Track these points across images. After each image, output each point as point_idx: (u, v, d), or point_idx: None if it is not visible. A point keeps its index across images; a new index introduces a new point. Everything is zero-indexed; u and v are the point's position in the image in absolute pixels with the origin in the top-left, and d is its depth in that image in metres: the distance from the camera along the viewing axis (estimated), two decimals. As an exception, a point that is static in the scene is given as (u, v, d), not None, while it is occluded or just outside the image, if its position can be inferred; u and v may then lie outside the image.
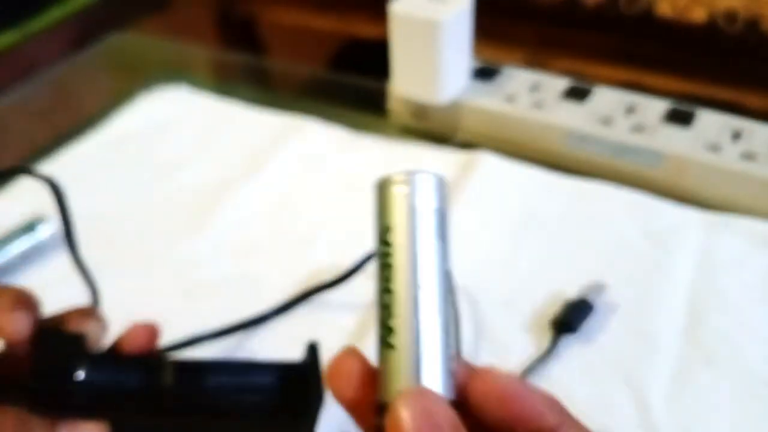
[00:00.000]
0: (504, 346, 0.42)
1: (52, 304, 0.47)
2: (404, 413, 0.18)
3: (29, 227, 0.49)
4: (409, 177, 0.22)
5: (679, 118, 0.54)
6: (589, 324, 0.43)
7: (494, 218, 0.51)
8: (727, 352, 0.41)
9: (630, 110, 0.56)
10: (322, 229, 0.51)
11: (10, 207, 0.54)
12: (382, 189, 0.22)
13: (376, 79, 0.64)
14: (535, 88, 0.59)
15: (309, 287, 0.45)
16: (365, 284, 0.46)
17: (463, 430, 0.18)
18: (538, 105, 0.57)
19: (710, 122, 0.54)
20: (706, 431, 0.38)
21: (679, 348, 0.42)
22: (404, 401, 0.18)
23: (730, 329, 0.43)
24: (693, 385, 0.40)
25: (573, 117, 0.55)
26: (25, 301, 0.29)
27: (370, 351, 0.22)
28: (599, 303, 0.43)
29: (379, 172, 0.62)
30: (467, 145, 0.59)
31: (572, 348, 0.42)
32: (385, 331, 0.20)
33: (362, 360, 0.22)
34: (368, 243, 0.50)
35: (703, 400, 0.39)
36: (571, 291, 0.44)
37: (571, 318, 0.42)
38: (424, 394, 0.19)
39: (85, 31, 0.87)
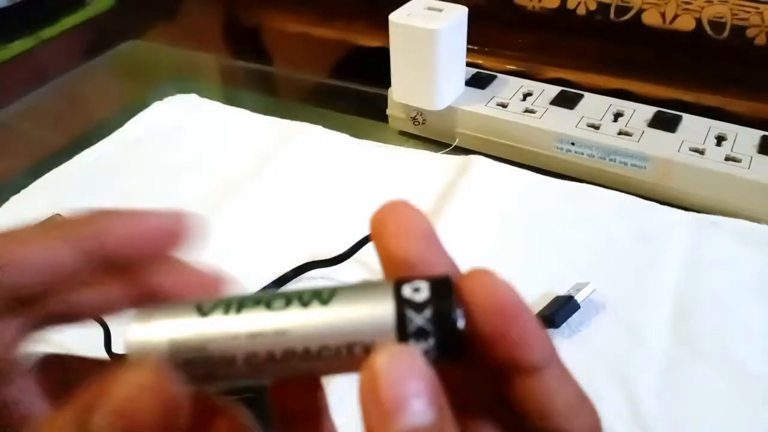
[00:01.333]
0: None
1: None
2: (381, 370, 0.16)
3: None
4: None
5: (665, 122, 0.56)
6: (579, 320, 0.43)
7: (487, 219, 0.52)
8: (715, 348, 0.42)
9: (618, 116, 0.57)
10: (326, 232, 0.52)
11: (24, 207, 0.56)
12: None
13: (377, 87, 0.65)
14: (527, 94, 0.61)
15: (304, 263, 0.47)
16: (360, 269, 0.48)
17: (440, 390, 0.16)
18: (530, 111, 0.58)
19: (695, 127, 0.55)
20: (695, 425, 0.38)
21: (668, 344, 0.42)
22: (381, 359, 0.16)
23: (717, 326, 0.43)
24: (682, 380, 0.40)
25: (563, 122, 0.57)
26: None
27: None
28: (587, 300, 0.44)
29: (380, 176, 0.63)
30: (462, 149, 0.60)
31: (563, 345, 0.42)
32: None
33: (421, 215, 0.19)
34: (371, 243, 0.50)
35: (691, 395, 0.40)
36: (562, 290, 0.45)
37: (552, 313, 0.43)
38: (404, 352, 0.16)
39: (97, 39, 0.88)
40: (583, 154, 0.56)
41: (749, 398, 0.39)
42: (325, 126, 0.63)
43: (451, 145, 0.61)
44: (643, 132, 0.55)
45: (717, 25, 0.63)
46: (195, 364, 0.17)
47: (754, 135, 0.54)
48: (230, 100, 0.69)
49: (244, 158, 0.60)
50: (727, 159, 0.52)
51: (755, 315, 0.44)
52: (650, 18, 0.66)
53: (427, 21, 0.55)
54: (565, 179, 0.56)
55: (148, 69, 0.80)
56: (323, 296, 0.17)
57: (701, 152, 0.53)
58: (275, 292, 0.18)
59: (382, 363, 0.16)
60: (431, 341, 0.17)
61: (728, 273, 0.47)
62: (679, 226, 0.51)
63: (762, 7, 0.61)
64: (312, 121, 0.64)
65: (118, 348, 0.43)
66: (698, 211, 0.52)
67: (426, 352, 0.17)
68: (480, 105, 0.60)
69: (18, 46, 0.82)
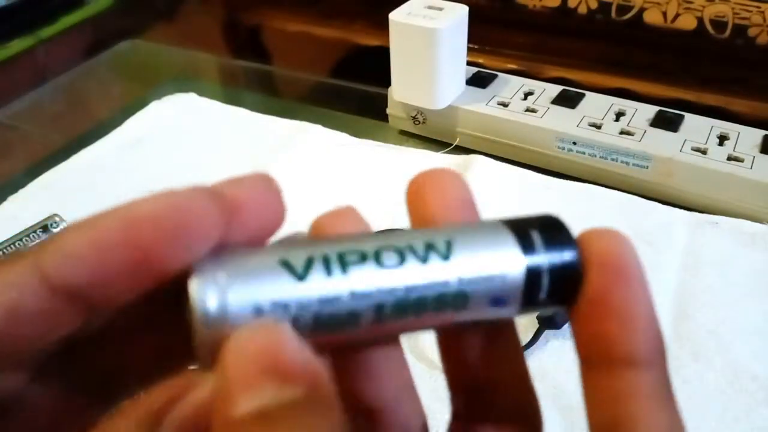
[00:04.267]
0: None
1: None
2: (234, 353, 0.13)
3: (44, 227, 0.50)
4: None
5: (667, 122, 0.56)
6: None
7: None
8: (714, 348, 0.42)
9: (619, 115, 0.57)
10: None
11: (22, 207, 0.55)
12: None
13: (377, 86, 0.65)
14: (528, 94, 0.60)
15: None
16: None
17: (322, 375, 0.13)
18: (531, 110, 0.58)
19: (697, 126, 0.55)
20: (694, 424, 0.38)
21: (667, 343, 0.42)
22: (238, 338, 0.13)
23: (717, 325, 0.43)
24: (681, 379, 0.40)
25: (564, 122, 0.57)
26: None
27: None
28: None
29: (380, 175, 0.63)
30: (463, 149, 0.60)
31: (565, 345, 0.42)
32: None
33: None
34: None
35: (691, 394, 0.40)
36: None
37: (554, 313, 0.42)
38: (265, 328, 0.13)
39: (96, 39, 0.88)
40: (584, 153, 0.56)
41: (749, 398, 0.39)
42: (325, 125, 0.63)
43: (451, 145, 0.61)
44: (644, 131, 0.55)
45: (718, 24, 0.63)
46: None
47: (757, 135, 0.54)
48: (230, 100, 0.69)
49: (244, 158, 0.60)
50: (730, 159, 0.52)
51: (755, 315, 0.44)
52: (651, 17, 0.65)
53: (427, 20, 0.55)
54: (566, 179, 0.56)
55: (147, 69, 0.80)
56: (440, 248, 0.15)
57: (703, 152, 0.53)
58: (375, 242, 0.15)
59: (233, 343, 0.13)
60: (546, 287, 0.16)
61: (729, 273, 0.47)
62: (680, 226, 0.51)
63: (764, 6, 0.61)
64: (312, 121, 0.64)
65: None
66: (700, 211, 0.52)
67: (540, 297, 0.16)
68: (481, 104, 0.59)
69: (17, 45, 0.82)
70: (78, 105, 0.76)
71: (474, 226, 0.16)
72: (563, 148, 0.56)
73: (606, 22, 0.67)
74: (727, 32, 0.63)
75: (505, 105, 0.59)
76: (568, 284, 0.16)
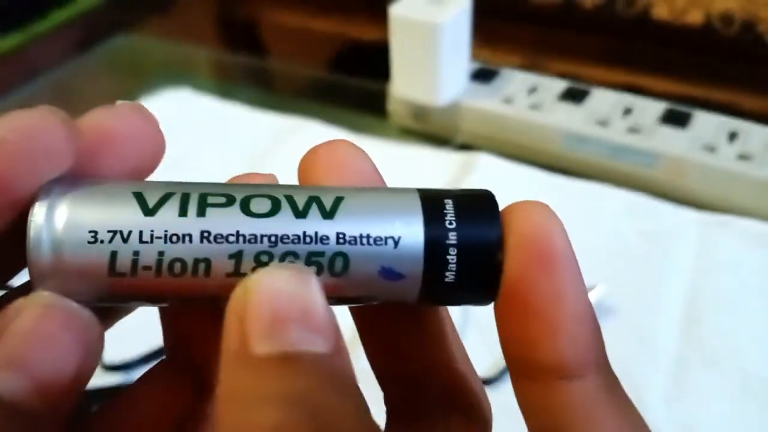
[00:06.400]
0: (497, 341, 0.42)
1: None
2: (262, 286, 0.12)
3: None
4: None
5: (676, 119, 0.55)
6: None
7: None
8: (726, 352, 0.41)
9: (627, 111, 0.56)
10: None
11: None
12: None
13: (377, 81, 0.64)
14: (533, 89, 0.59)
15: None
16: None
17: (338, 329, 0.12)
18: (536, 106, 0.57)
19: (706, 123, 0.54)
20: (705, 430, 0.38)
21: (677, 348, 0.42)
22: (264, 275, 0.12)
23: (728, 329, 0.43)
24: (691, 385, 0.40)
25: (571, 118, 0.56)
26: None
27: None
28: (596, 303, 0.43)
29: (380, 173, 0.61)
30: (466, 146, 0.59)
31: None
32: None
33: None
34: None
35: (701, 400, 0.39)
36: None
37: None
38: (295, 271, 0.12)
39: (88, 34, 0.87)
40: (591, 151, 0.55)
41: (760, 404, 0.39)
42: (322, 122, 0.62)
43: (454, 142, 0.60)
44: (653, 128, 0.54)
45: (726, 20, 0.62)
46: (122, 283, 0.13)
47: (767, 132, 0.53)
48: (225, 96, 0.68)
49: (239, 155, 0.59)
50: (740, 157, 0.51)
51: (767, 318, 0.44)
52: (658, 12, 0.65)
53: (429, 14, 0.54)
54: (572, 177, 0.55)
55: (140, 64, 0.79)
56: (325, 204, 0.14)
57: (713, 150, 0.52)
58: (250, 190, 0.14)
59: (265, 279, 0.12)
60: (453, 267, 0.13)
61: (740, 275, 0.46)
62: (689, 227, 0.50)
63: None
64: (309, 117, 0.63)
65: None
66: (710, 210, 0.51)
67: (453, 285, 0.14)
68: (484, 100, 0.58)
69: (7, 41, 0.81)
70: (70, 101, 0.75)
71: (379, 190, 0.15)
72: (570, 146, 0.55)
73: (612, 17, 0.67)
74: (735, 28, 0.62)
75: (509, 101, 0.58)
76: (486, 270, 0.13)
